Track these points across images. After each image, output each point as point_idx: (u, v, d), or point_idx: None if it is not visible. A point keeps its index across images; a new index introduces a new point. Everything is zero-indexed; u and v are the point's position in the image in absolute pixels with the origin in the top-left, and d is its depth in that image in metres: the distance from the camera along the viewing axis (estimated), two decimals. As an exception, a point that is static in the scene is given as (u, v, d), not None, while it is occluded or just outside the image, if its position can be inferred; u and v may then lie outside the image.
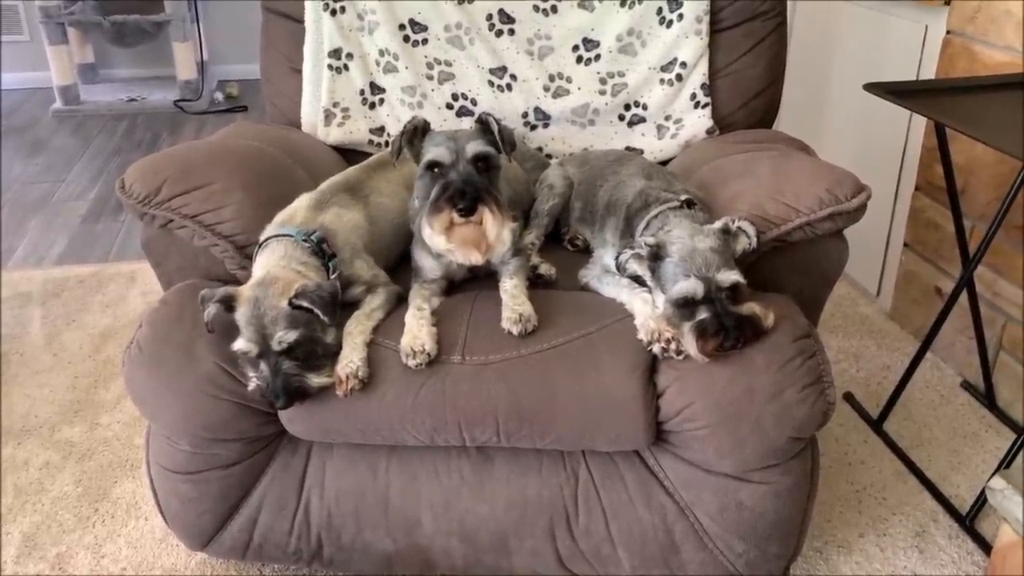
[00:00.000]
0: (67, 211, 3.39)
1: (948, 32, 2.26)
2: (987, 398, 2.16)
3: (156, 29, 4.54)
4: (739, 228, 1.39)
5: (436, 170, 1.40)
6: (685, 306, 1.34)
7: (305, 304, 1.31)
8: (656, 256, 1.38)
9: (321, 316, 1.31)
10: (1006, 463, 1.75)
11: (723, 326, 1.31)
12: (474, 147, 1.39)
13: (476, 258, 1.42)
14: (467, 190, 1.35)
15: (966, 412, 2.16)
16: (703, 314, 1.33)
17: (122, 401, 2.20)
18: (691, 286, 1.32)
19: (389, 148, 1.47)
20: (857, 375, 2.30)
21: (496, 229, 1.38)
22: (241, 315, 1.32)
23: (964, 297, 2.02)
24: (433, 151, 1.39)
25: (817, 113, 2.88)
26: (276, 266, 1.36)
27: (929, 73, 2.34)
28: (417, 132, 1.45)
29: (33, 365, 2.36)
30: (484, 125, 1.45)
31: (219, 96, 4.72)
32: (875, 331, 2.51)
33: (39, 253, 3.04)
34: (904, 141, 2.46)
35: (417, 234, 1.51)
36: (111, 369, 2.34)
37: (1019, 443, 1.71)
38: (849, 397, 2.19)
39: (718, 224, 1.39)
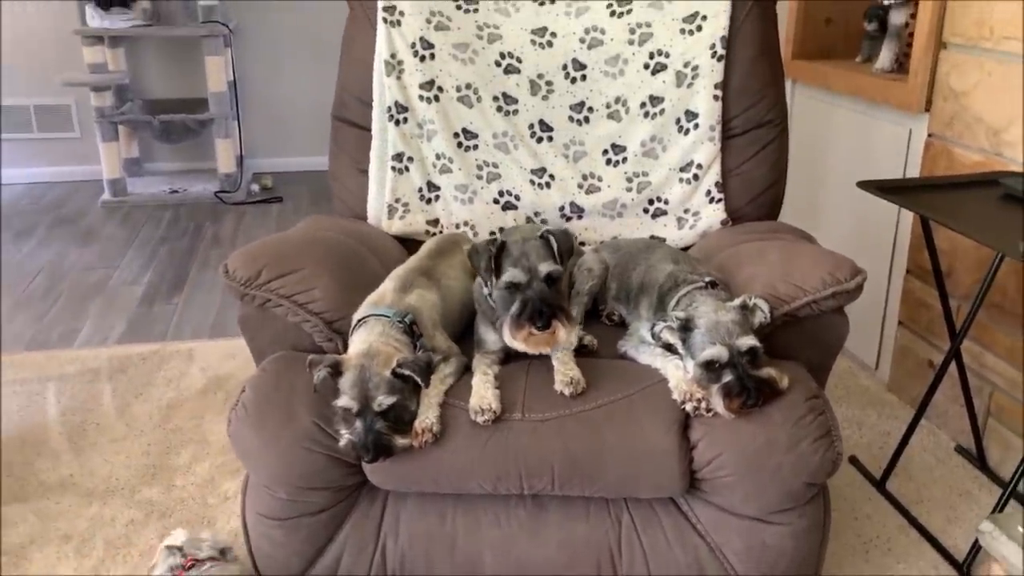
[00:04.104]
0: (124, 295, 3.65)
1: (929, 135, 2.56)
2: (979, 460, 2.38)
3: (200, 127, 4.89)
4: (755, 304, 1.65)
5: (514, 288, 1.64)
6: (712, 369, 1.59)
7: (407, 372, 1.55)
8: (686, 328, 1.63)
9: (420, 382, 1.56)
10: (997, 509, 1.96)
11: (745, 387, 1.55)
12: (546, 268, 1.63)
13: (545, 352, 1.67)
14: (544, 310, 1.60)
15: (960, 473, 2.38)
16: (728, 376, 1.57)
17: (193, 465, 2.42)
18: (717, 352, 1.57)
19: (471, 260, 1.70)
20: (860, 440, 2.53)
21: (565, 335, 1.63)
22: (346, 380, 1.56)
23: (956, 369, 2.27)
24: (510, 273, 1.63)
25: (816, 204, 3.17)
26: (377, 341, 1.60)
27: (914, 170, 2.63)
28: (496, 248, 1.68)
29: (109, 434, 2.58)
30: (546, 241, 1.68)
31: (255, 187, 5.05)
32: (875, 401, 2.74)
33: (102, 333, 3.29)
34: (895, 230, 2.74)
35: (482, 313, 1.77)
36: (180, 437, 2.56)
37: (1007, 492, 1.93)
38: (854, 460, 2.41)
39: (737, 301, 1.65)
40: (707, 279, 1.74)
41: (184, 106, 4.92)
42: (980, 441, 2.37)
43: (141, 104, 5.01)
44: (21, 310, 3.49)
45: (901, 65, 2.80)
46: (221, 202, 4.87)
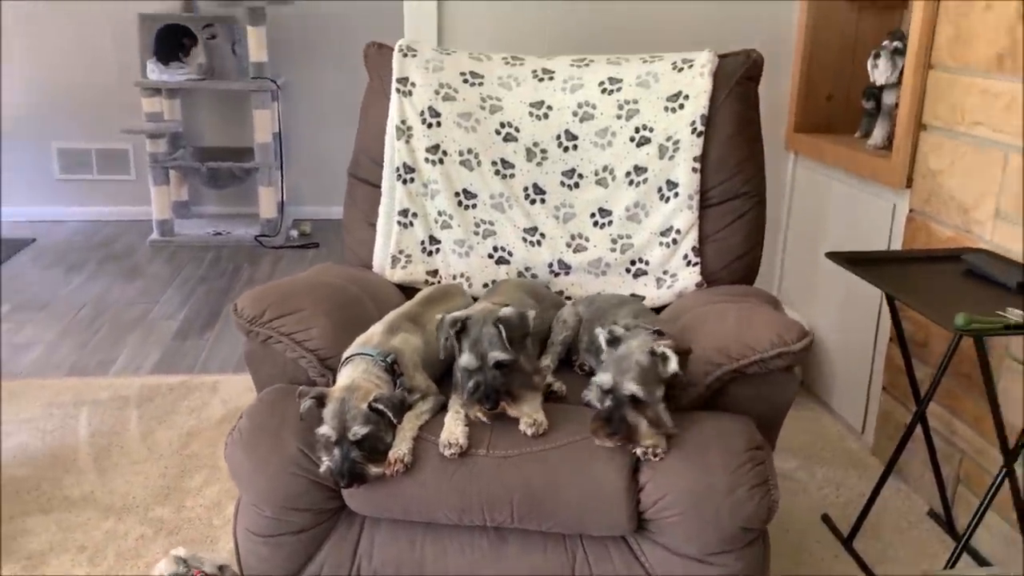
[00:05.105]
0: (160, 329, 3.91)
1: (911, 211, 2.69)
2: (947, 524, 2.46)
3: (245, 174, 5.21)
4: (663, 352, 1.75)
5: (468, 371, 1.81)
6: (599, 393, 1.75)
7: (381, 407, 1.72)
8: (611, 342, 1.79)
9: (392, 418, 1.73)
10: (949, 565, 2.05)
11: (610, 418, 1.71)
12: (495, 356, 1.79)
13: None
14: (491, 394, 1.77)
15: (930, 537, 2.45)
16: (605, 403, 1.74)
17: (204, 489, 2.62)
18: (604, 379, 1.74)
19: (437, 332, 1.89)
20: (837, 500, 2.62)
21: (516, 411, 1.80)
22: (328, 410, 1.74)
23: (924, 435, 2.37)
24: (465, 358, 1.81)
25: (813, 272, 3.29)
26: (360, 377, 1.79)
27: (898, 243, 2.75)
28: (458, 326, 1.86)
29: (131, 456, 2.80)
30: (499, 329, 1.81)
31: (294, 233, 5.33)
32: (858, 464, 2.83)
33: (136, 363, 3.54)
34: (880, 300, 2.86)
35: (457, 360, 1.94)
36: (195, 462, 2.76)
37: (959, 548, 2.02)
38: (826, 518, 2.50)
39: (650, 346, 1.76)
40: (656, 328, 1.89)
41: (231, 154, 5.26)
42: (948, 506, 2.45)
43: (192, 151, 5.36)
44: (66, 339, 3.77)
45: (892, 143, 2.94)
46: (261, 245, 5.15)
